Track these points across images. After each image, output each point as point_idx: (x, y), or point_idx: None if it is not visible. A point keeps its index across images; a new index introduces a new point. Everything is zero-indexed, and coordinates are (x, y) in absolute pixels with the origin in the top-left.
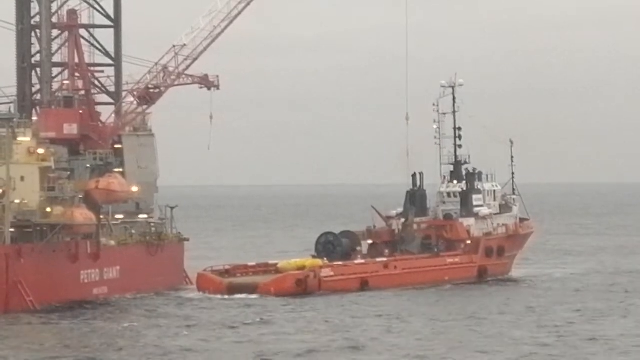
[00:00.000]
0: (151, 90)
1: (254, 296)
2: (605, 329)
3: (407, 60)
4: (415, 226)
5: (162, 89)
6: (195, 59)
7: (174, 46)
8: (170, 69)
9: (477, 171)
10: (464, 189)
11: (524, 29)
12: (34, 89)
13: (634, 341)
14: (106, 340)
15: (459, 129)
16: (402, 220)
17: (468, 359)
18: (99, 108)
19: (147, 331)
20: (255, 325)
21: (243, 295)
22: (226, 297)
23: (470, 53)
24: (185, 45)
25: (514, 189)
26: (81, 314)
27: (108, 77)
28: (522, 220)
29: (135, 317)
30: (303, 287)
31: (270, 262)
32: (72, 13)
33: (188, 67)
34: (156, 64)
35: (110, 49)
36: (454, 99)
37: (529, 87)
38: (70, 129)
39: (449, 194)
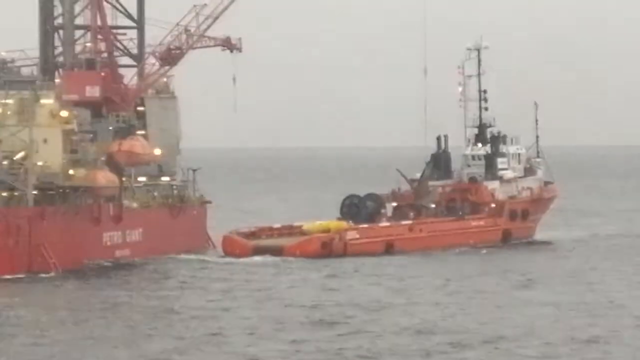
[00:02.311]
0: (172, 52)
1: (279, 258)
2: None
3: (425, 14)
4: (439, 189)
5: (184, 49)
6: (216, 18)
7: (194, 6)
8: (192, 30)
9: (501, 134)
10: (489, 152)
11: None
12: (56, 52)
13: None
14: (128, 303)
15: (485, 91)
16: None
17: (497, 321)
18: (121, 70)
19: (170, 293)
20: (280, 287)
21: (269, 258)
22: (252, 259)
23: (494, 20)
24: (206, 4)
25: (538, 152)
26: (103, 276)
27: (131, 39)
28: (546, 183)
29: (158, 279)
30: (328, 250)
31: (295, 224)
32: None
33: (209, 26)
34: (177, 24)
35: (133, 12)
36: (479, 61)
37: (556, 52)
38: (93, 92)
39: (473, 157)
